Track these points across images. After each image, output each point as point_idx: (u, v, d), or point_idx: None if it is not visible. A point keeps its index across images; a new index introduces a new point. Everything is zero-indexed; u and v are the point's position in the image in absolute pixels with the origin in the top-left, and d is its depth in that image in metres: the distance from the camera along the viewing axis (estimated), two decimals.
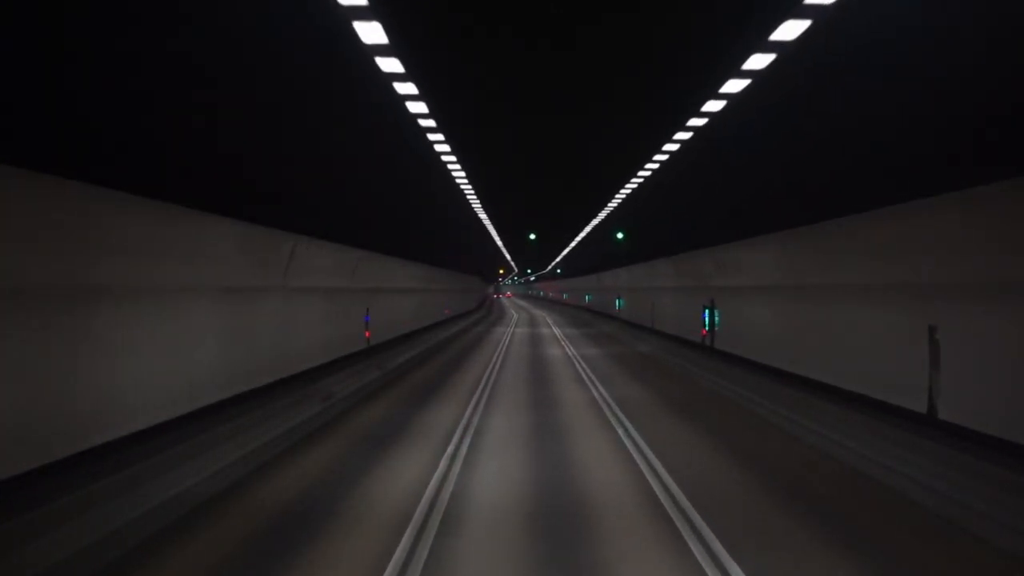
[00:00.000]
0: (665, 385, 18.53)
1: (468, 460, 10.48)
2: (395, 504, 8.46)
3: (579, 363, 23.70)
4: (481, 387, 17.99)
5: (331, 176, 14.26)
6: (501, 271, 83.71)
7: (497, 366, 22.79)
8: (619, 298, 45.17)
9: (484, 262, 58.83)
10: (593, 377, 19.98)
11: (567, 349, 29.21)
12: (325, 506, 8.40)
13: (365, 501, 8.63)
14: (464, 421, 13.46)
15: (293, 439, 11.80)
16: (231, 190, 11.17)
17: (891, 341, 11.08)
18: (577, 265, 58.29)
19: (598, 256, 43.62)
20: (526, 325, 47.79)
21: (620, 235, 24.41)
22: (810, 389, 13.31)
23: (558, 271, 71.42)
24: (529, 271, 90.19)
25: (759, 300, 17.78)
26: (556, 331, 41.15)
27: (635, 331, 34.66)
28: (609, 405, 15.23)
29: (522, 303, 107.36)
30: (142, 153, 8.58)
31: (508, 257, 57.80)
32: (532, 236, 26.04)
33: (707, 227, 19.91)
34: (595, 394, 16.91)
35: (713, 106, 10.67)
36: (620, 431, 12.61)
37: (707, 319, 22.62)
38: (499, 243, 41.13)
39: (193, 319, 11.20)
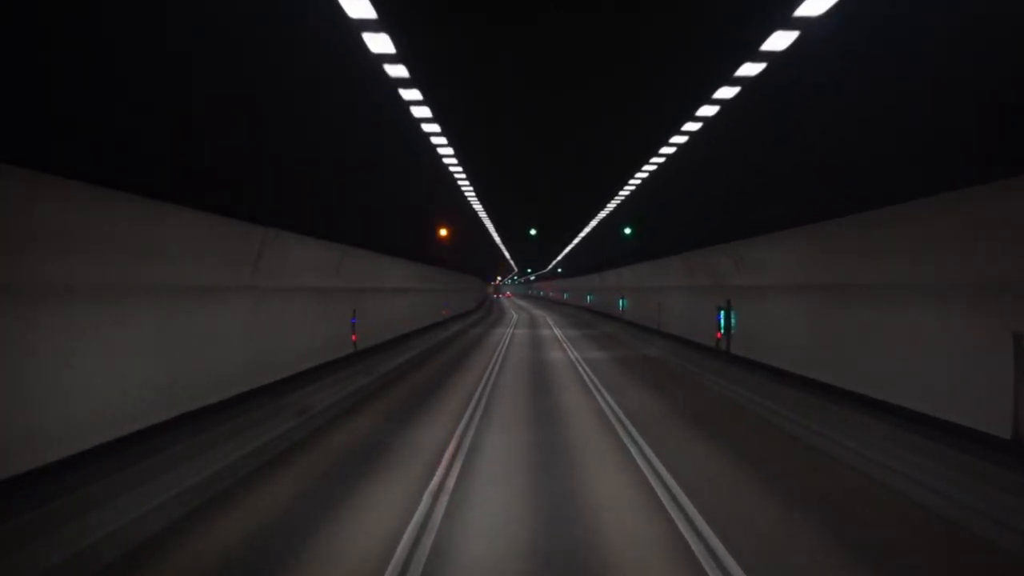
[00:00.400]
0: (681, 394, 16.79)
1: (455, 500, 8.59)
2: (357, 568, 6.68)
3: (583, 368, 21.96)
4: (477, 396, 16.25)
5: (307, 161, 12.53)
6: (500, 271, 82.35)
7: (495, 371, 21.07)
8: (622, 298, 43.45)
9: (483, 261, 57.28)
10: (599, 384, 18.23)
11: (569, 352, 27.47)
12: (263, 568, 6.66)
13: (316, 562, 6.83)
14: (455, 442, 11.71)
15: (251, 466, 10.05)
16: (188, 175, 9.44)
17: (962, 350, 9.31)
18: (578, 264, 56.66)
19: (600, 255, 41.94)
20: (526, 326, 46.06)
21: (628, 230, 22.67)
22: (854, 404, 11.54)
23: (559, 270, 69.84)
24: (529, 270, 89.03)
25: (787, 300, 16.02)
26: (557, 332, 39.42)
27: (640, 333, 32.92)
28: (620, 420, 13.46)
29: (522, 303, 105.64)
30: (69, 128, 6.84)
31: (507, 255, 56.25)
32: (532, 231, 24.31)
33: (724, 221, 18.18)
34: (602, 405, 15.16)
35: (749, 69, 9.00)
36: (639, 459, 10.62)
37: (722, 321, 20.88)
38: (497, 239, 39.50)
39: (133, 326, 9.46)
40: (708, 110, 11.03)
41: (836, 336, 13.33)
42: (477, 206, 25.37)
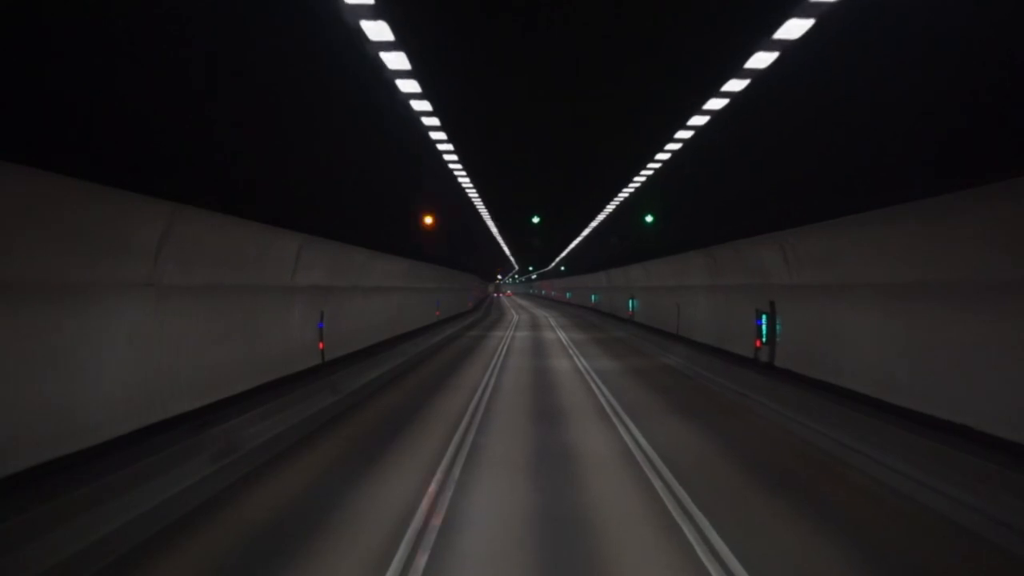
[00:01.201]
0: (730, 427, 13.03)
1: None
2: None
3: (595, 382, 18.43)
4: (464, 426, 12.72)
5: (242, 115, 9.01)
6: (500, 269, 79.15)
7: (490, 387, 17.56)
8: (632, 298, 39.92)
9: (482, 258, 54.01)
10: (618, 407, 14.69)
11: (577, 360, 23.93)
12: None
13: None
14: (424, 505, 8.20)
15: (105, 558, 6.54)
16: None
17: None
18: (582, 262, 53.32)
19: (608, 252, 38.52)
20: (527, 328, 42.48)
21: (649, 218, 19.17)
22: (995, 450, 7.99)
23: (562, 268, 66.45)
24: (531, 268, 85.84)
25: (871, 303, 12.41)
26: (561, 335, 35.86)
27: (655, 337, 29.41)
28: (660, 475, 9.70)
29: (523, 302, 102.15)
30: None
31: (507, 252, 52.86)
32: (535, 219, 20.82)
33: (770, 207, 14.66)
34: (630, 444, 11.51)
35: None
36: (702, 554, 6.90)
37: (763, 327, 17.33)
38: (495, 232, 36.10)
39: None
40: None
41: (955, 348, 9.71)
42: (473, 195, 22.07)
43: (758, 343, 17.80)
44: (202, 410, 11.11)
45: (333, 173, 13.83)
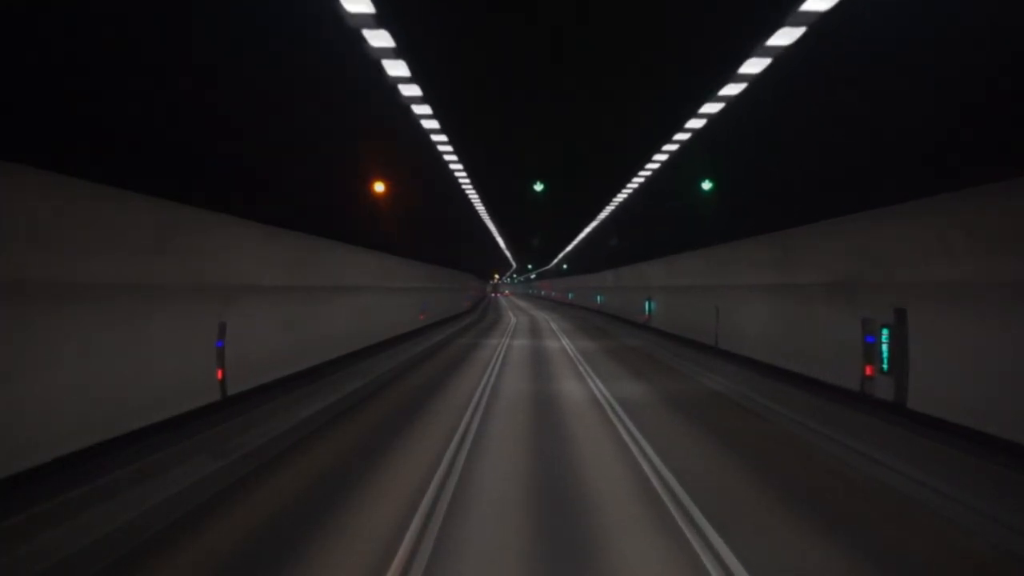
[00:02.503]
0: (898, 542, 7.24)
1: None
2: None
3: (623, 422, 12.63)
4: (426, 511, 6.97)
5: None
6: (497, 269, 74.46)
7: (472, 430, 11.79)
8: (649, 300, 34.11)
9: (478, 257, 48.78)
10: (676, 486, 8.87)
11: (592, 383, 18.08)
12: None
13: None
14: None
15: None
16: None
17: None
18: (586, 260, 47.76)
19: (621, 245, 32.84)
20: (526, 335, 36.55)
21: (708, 184, 13.42)
22: None
23: (564, 267, 60.87)
24: (530, 267, 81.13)
25: None
26: (566, 344, 29.98)
27: (683, 350, 23.65)
28: None
29: (522, 303, 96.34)
30: None
31: (505, 250, 47.43)
32: (539, 186, 15.10)
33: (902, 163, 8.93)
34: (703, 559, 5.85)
35: None
36: None
37: (884, 348, 11.49)
38: (492, 229, 30.59)
39: None
40: None
41: None
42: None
43: (869, 370, 11.98)
44: None
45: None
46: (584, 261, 50.31)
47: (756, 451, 10.72)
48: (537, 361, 23.76)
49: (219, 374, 12.03)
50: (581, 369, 21.09)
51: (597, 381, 18.50)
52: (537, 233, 37.77)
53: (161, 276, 9.97)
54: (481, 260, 57.11)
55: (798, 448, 10.99)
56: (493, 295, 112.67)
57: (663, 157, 13.86)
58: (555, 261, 60.63)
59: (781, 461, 10.23)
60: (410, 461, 10.16)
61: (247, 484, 9.01)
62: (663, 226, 24.52)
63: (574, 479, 9.33)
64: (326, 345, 17.81)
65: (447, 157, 14.30)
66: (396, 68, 8.78)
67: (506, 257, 56.88)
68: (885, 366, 11.35)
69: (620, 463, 10.15)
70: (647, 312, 34.26)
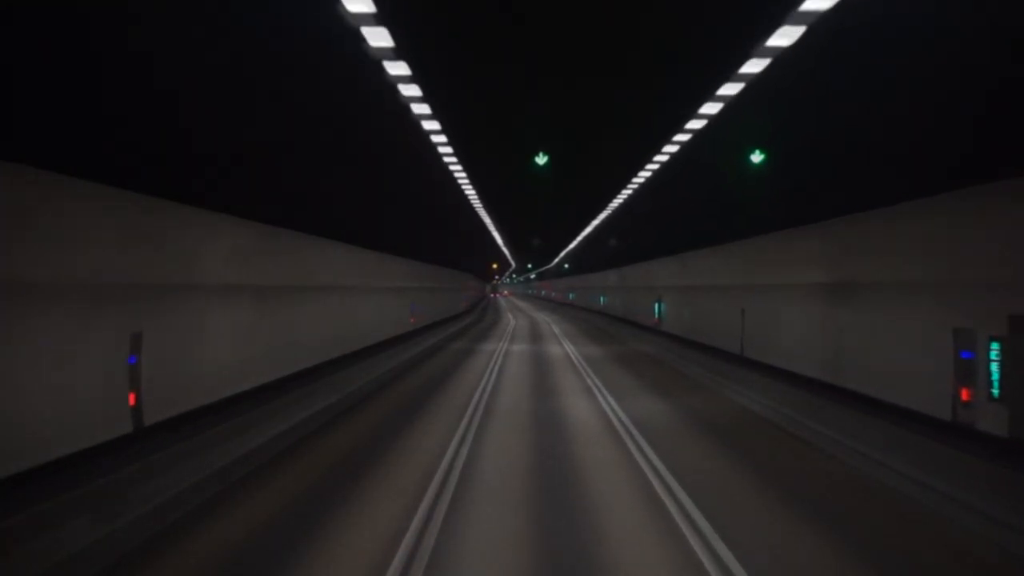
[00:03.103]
0: None
1: None
2: None
3: (645, 455, 9.95)
4: None
5: None
6: (497, 268, 72.23)
7: (455, 474, 9.13)
8: (659, 301, 31.43)
9: (477, 257, 46.39)
10: (719, 547, 6.22)
11: (602, 399, 15.41)
12: None
13: None
14: None
15: None
16: None
17: None
18: (589, 260, 45.19)
19: (627, 242, 30.28)
20: (525, 340, 33.87)
21: (759, 156, 10.77)
22: None
23: (565, 266, 58.37)
24: (530, 267, 78.99)
25: None
26: (570, 350, 27.31)
27: (702, 357, 20.99)
28: None
29: (521, 304, 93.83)
30: None
31: (505, 250, 44.94)
32: (541, 159, 12.47)
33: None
34: None
35: None
36: None
37: (994, 368, 8.78)
38: (488, 222, 28.05)
39: None
40: None
41: None
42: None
43: (966, 395, 9.28)
44: None
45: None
46: (586, 260, 47.82)
47: (839, 514, 7.92)
48: (538, 371, 21.09)
49: (131, 399, 9.34)
50: (589, 381, 18.42)
51: (608, 396, 15.84)
52: (537, 232, 35.50)
53: (31, 272, 7.30)
54: (480, 259, 54.68)
55: (903, 509, 8.17)
56: (492, 295, 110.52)
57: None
58: (556, 260, 58.19)
59: (888, 533, 7.39)
60: (362, 536, 7.46)
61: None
62: (675, 222, 21.98)
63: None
64: (289, 356, 15.12)
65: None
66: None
67: (505, 256, 54.47)
68: (996, 390, 8.68)
69: (651, 530, 7.46)
70: (657, 314, 31.59)
